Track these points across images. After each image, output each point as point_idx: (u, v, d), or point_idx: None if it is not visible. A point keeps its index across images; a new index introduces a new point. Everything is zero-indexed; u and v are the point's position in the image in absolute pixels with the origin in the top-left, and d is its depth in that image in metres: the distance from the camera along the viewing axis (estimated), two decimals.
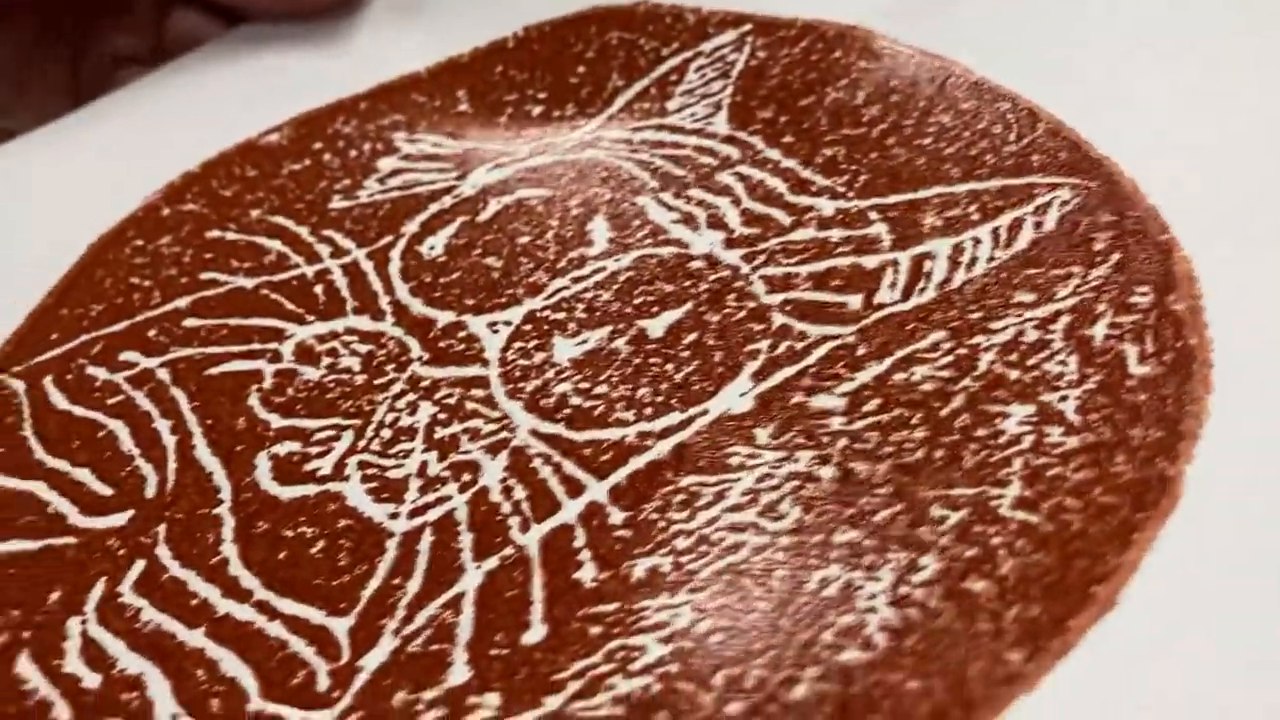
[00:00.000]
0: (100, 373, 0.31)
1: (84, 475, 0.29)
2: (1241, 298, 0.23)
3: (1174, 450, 0.22)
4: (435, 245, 0.33)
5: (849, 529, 0.22)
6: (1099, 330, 0.25)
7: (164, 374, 0.31)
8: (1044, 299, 0.26)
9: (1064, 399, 0.24)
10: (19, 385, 0.32)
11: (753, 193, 0.32)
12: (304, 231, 0.35)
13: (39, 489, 0.29)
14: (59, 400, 0.31)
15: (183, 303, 0.33)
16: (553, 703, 0.21)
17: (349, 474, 0.26)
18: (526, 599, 0.23)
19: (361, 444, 0.27)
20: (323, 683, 0.23)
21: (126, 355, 0.32)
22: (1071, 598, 0.20)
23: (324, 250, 0.34)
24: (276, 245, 0.34)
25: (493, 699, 0.22)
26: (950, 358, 0.25)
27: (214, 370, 0.31)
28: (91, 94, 0.42)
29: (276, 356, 0.31)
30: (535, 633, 0.23)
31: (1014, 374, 0.25)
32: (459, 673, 0.22)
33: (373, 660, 0.23)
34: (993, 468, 0.23)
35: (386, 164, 0.36)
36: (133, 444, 0.29)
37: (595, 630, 0.22)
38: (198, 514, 0.26)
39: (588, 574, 0.23)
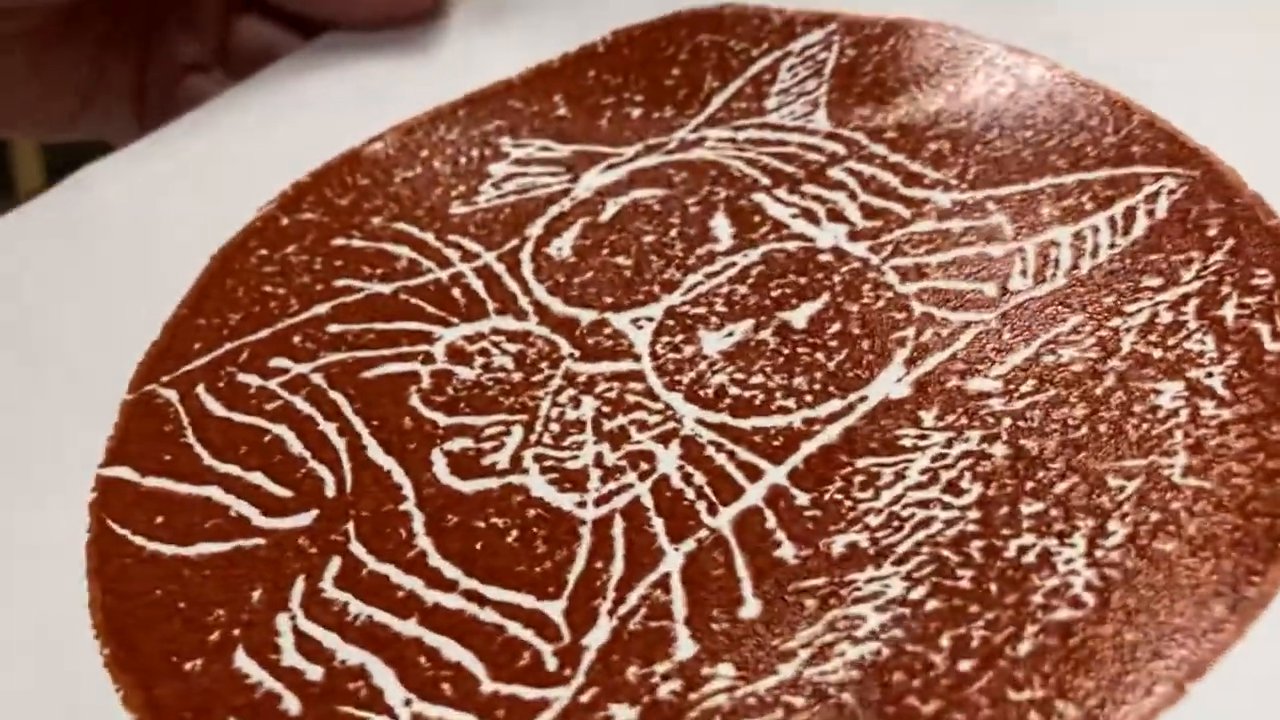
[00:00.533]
0: (253, 379, 0.32)
1: (258, 479, 0.29)
2: None
3: None
4: (563, 247, 0.34)
5: (1032, 500, 0.24)
6: (1229, 311, 0.27)
7: (318, 379, 0.32)
8: (1170, 282, 0.28)
9: (1210, 375, 0.26)
10: (172, 394, 0.32)
11: (866, 187, 0.34)
12: (429, 237, 0.36)
13: (214, 493, 0.29)
14: (216, 408, 0.32)
15: (323, 309, 0.34)
16: (787, 670, 0.22)
17: (527, 467, 0.27)
18: (734, 576, 0.24)
19: (533, 438, 0.28)
20: (551, 663, 0.24)
21: (276, 361, 0.33)
22: (1260, 551, 0.22)
23: (453, 255, 0.35)
24: (405, 251, 0.35)
25: (726, 669, 0.23)
26: (1093, 339, 0.27)
27: (369, 373, 0.32)
28: (157, 102, 0.42)
29: (429, 358, 0.32)
30: (751, 607, 0.24)
31: (1157, 353, 0.27)
32: (685, 647, 0.24)
33: (595, 639, 0.24)
34: (1157, 440, 0.25)
35: (498, 169, 0.37)
36: (301, 447, 0.30)
37: (810, 603, 0.24)
38: (383, 511, 0.27)
39: (788, 552, 0.25)
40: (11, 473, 0.28)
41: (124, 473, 0.30)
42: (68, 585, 0.28)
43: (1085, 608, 0.21)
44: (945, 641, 0.22)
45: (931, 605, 0.23)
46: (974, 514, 0.24)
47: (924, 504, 0.24)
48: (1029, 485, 0.24)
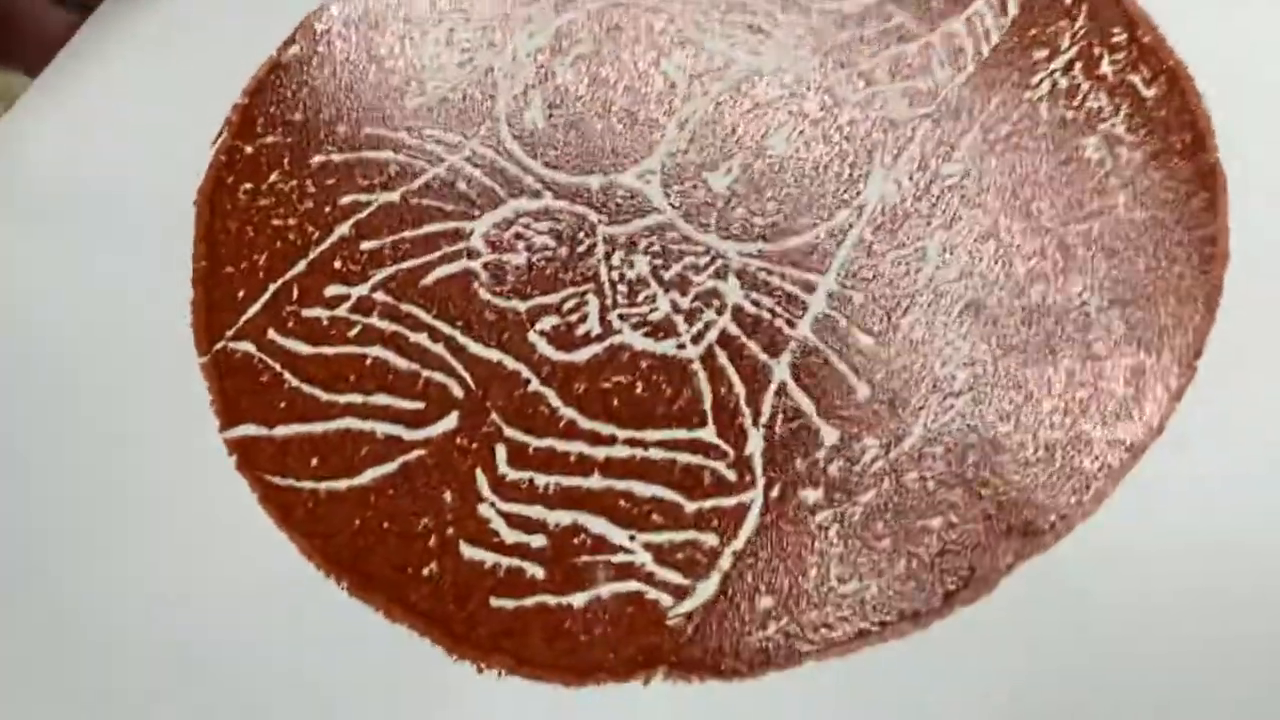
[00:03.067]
0: (319, 312, 0.32)
1: (385, 400, 0.30)
2: (1189, 21, 0.30)
3: (1204, 144, 0.31)
4: (535, 119, 0.35)
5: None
6: (1106, 68, 0.33)
7: (382, 296, 0.32)
8: (1054, 52, 0.34)
9: (1114, 126, 0.32)
10: (248, 346, 0.32)
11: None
12: (404, 136, 0.35)
13: (352, 423, 0.30)
14: (301, 348, 0.32)
15: (345, 230, 0.34)
16: (916, 429, 0.28)
17: (618, 328, 0.30)
18: (835, 370, 0.29)
19: (608, 302, 0.30)
20: (729, 475, 0.27)
21: (332, 290, 0.33)
22: (1202, 254, 0.29)
23: (438, 149, 0.35)
24: (389, 155, 0.35)
25: (870, 441, 0.28)
26: (1017, 113, 0.32)
27: (427, 280, 0.33)
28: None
29: (473, 253, 0.33)
30: (862, 391, 0.29)
31: (1070, 114, 0.33)
32: (829, 434, 0.28)
33: (755, 447, 0.28)
34: (1098, 185, 0.31)
35: (428, 53, 0.36)
36: (407, 362, 0.31)
37: (904, 375, 0.29)
38: (517, 395, 0.29)
39: (865, 341, 0.29)
40: (139, 466, 0.28)
41: (250, 430, 0.30)
42: (269, 543, 0.29)
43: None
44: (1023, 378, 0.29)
45: (998, 352, 0.29)
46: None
47: (965, 273, 0.29)
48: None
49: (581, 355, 0.29)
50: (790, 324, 0.29)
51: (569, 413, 0.29)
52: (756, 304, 0.29)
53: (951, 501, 0.26)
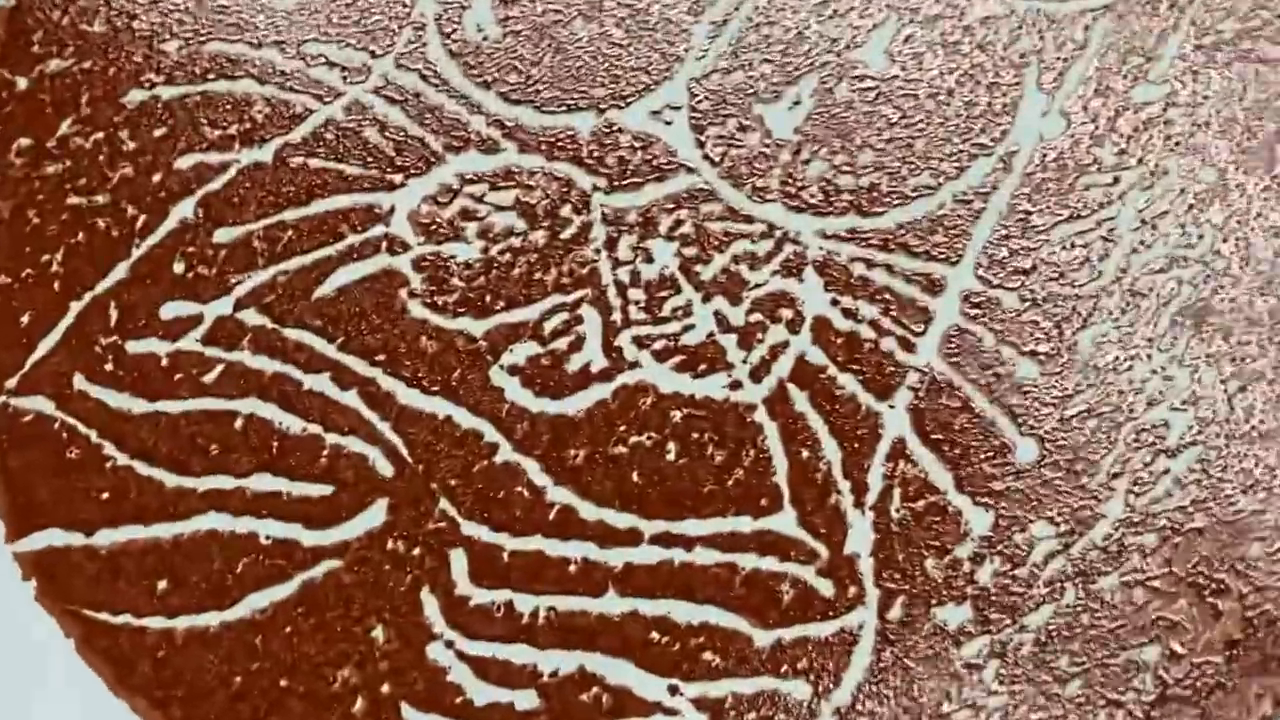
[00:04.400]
0: (155, 346, 0.32)
1: (271, 483, 0.30)
2: None
3: None
4: (483, 25, 0.33)
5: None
6: None
7: (254, 316, 0.32)
8: None
9: None
10: (44, 404, 0.31)
11: None
12: (275, 57, 0.34)
13: (220, 523, 0.30)
14: (129, 403, 0.31)
15: (187, 210, 0.33)
16: (1113, 507, 0.29)
17: (634, 359, 0.31)
18: (979, 417, 0.30)
19: (617, 317, 0.31)
20: (824, 587, 0.29)
21: (171, 310, 0.32)
22: None
23: (330, 77, 0.33)
24: (253, 88, 0.34)
25: (1042, 529, 0.29)
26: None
27: (325, 289, 0.32)
28: None
29: (395, 243, 0.32)
30: (1026, 449, 0.30)
31: None
32: (977, 518, 0.29)
33: (859, 543, 0.29)
34: None
35: None
36: (302, 422, 0.31)
37: (1090, 422, 0.30)
38: (477, 469, 0.30)
39: (1028, 369, 0.30)
40: None
41: (54, 538, 0.30)
42: (97, 714, 0.28)
43: None
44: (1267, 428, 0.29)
45: (1234, 384, 0.30)
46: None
47: (1164, 265, 0.30)
48: None
49: (577, 403, 0.30)
50: (907, 345, 0.30)
51: (562, 495, 0.29)
52: (851, 315, 0.30)
53: (1173, 620, 0.28)
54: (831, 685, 0.28)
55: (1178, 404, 0.29)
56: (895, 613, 0.28)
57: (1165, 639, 0.28)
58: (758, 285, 0.31)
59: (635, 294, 0.31)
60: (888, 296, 0.31)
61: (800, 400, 0.30)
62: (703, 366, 0.31)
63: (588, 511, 0.30)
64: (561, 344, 0.31)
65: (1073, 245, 0.31)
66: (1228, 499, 0.29)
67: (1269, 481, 0.29)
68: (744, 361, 0.30)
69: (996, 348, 0.30)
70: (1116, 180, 0.31)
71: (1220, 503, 0.29)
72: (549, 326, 0.31)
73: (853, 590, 0.29)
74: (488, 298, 0.31)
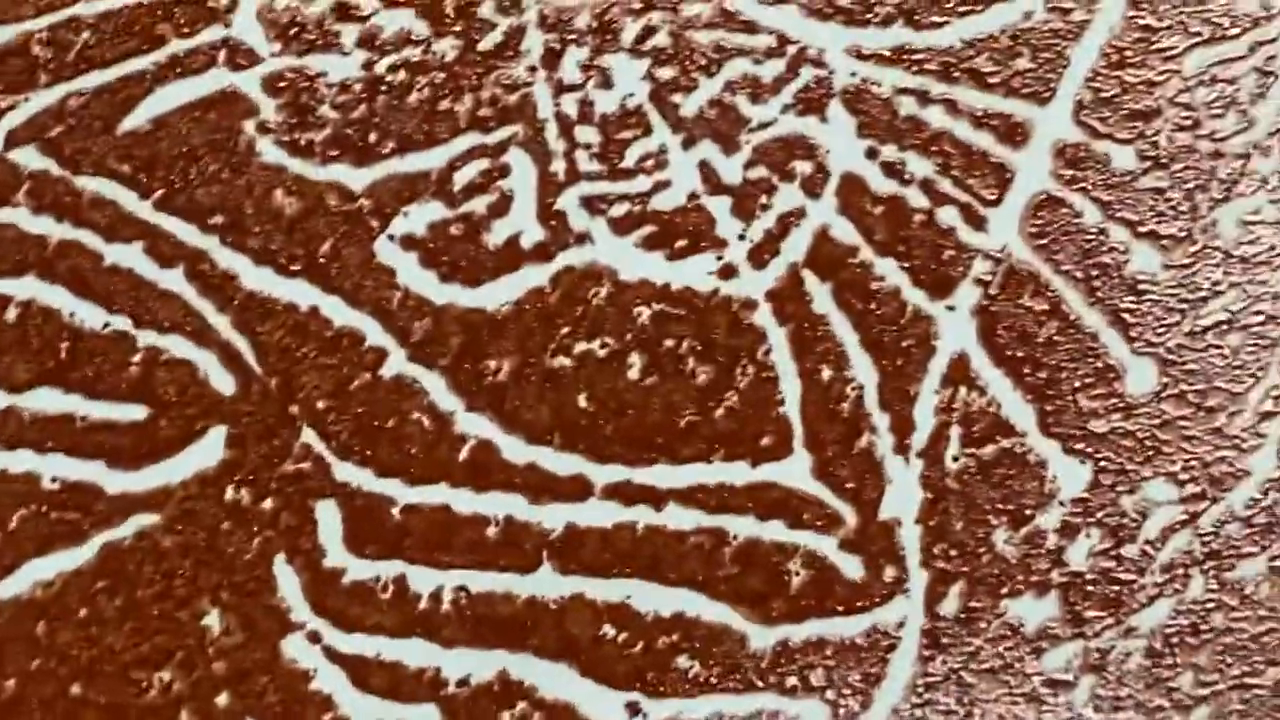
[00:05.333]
0: None
1: (60, 402, 0.29)
2: None
3: None
4: None
5: None
6: None
7: (33, 158, 0.30)
8: None
9: None
10: None
11: None
12: None
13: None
14: None
15: None
16: (1266, 460, 0.28)
17: (582, 229, 0.29)
18: (1074, 325, 0.28)
19: (559, 167, 0.29)
20: (850, 566, 0.28)
21: None
22: None
23: None
24: None
25: (1161, 488, 0.28)
26: None
27: (136, 119, 0.30)
28: None
29: (239, 53, 0.30)
30: (1141, 374, 0.28)
31: None
32: (1067, 468, 0.28)
33: (901, 502, 0.28)
34: None
35: None
36: (100, 312, 0.29)
37: (1232, 338, 0.28)
38: (354, 387, 0.29)
39: (1145, 260, 0.28)
40: None
41: None
42: None
43: None
44: None
45: None
46: None
47: None
48: None
49: (500, 294, 0.29)
50: (974, 220, 0.29)
51: (478, 426, 0.28)
52: (895, 173, 0.28)
53: None
54: (858, 708, 0.28)
55: None
56: (950, 605, 0.27)
57: None
58: (762, 126, 0.29)
59: (586, 134, 0.29)
60: (948, 147, 0.29)
61: (821, 296, 0.29)
62: (681, 243, 0.29)
63: (514, 450, 0.28)
64: (479, 206, 0.29)
65: (1214, 79, 0.29)
66: None
67: None
68: (741, 237, 0.29)
69: (1102, 226, 0.29)
70: None
71: None
72: (461, 180, 0.29)
73: (890, 572, 0.27)
74: (373, 137, 0.29)
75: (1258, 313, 0.29)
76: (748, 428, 0.28)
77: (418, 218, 0.29)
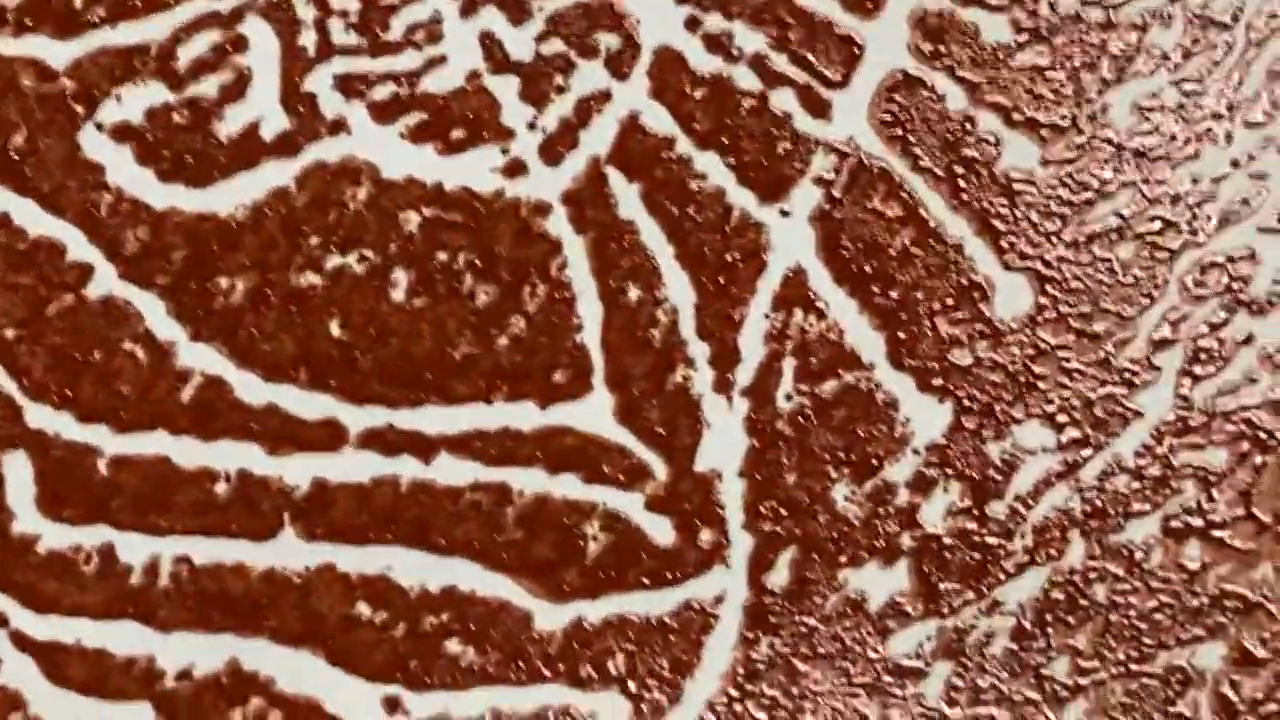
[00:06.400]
0: None
1: None
2: None
3: None
4: None
5: None
6: None
7: None
8: None
9: None
10: None
11: None
12: None
13: None
14: None
15: None
16: (1157, 404, 0.26)
17: (337, 115, 0.27)
18: (934, 233, 0.26)
19: (308, 39, 0.28)
20: (661, 533, 0.26)
21: None
22: None
23: None
24: None
25: (1040, 434, 0.26)
26: None
27: None
28: None
29: None
30: (1015, 297, 0.26)
31: None
32: (929, 418, 0.26)
33: (723, 455, 0.26)
34: None
35: None
36: None
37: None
38: (52, 313, 0.27)
39: (1020, 154, 0.26)
40: None
41: None
42: None
43: None
44: None
45: None
46: None
47: None
48: None
49: (235, 195, 0.27)
50: (816, 105, 0.27)
51: (205, 358, 0.27)
52: (720, 46, 0.27)
53: (1249, 601, 0.26)
54: (665, 702, 0.26)
55: (1271, 222, 0.27)
56: (779, 576, 0.26)
57: (1234, 631, 0.26)
58: None
59: None
60: (785, 16, 0.28)
61: (628, 198, 0.27)
62: (458, 134, 0.27)
63: (250, 389, 0.26)
64: (208, 88, 0.27)
65: None
66: None
67: None
68: (532, 127, 0.27)
69: (969, 113, 0.27)
70: None
71: None
72: (186, 55, 0.27)
73: (707, 536, 0.26)
74: (78, 1, 0.28)
75: (1154, 219, 0.27)
76: (537, 360, 0.27)
77: (133, 102, 0.28)
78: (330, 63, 0.27)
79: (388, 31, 0.28)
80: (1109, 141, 0.27)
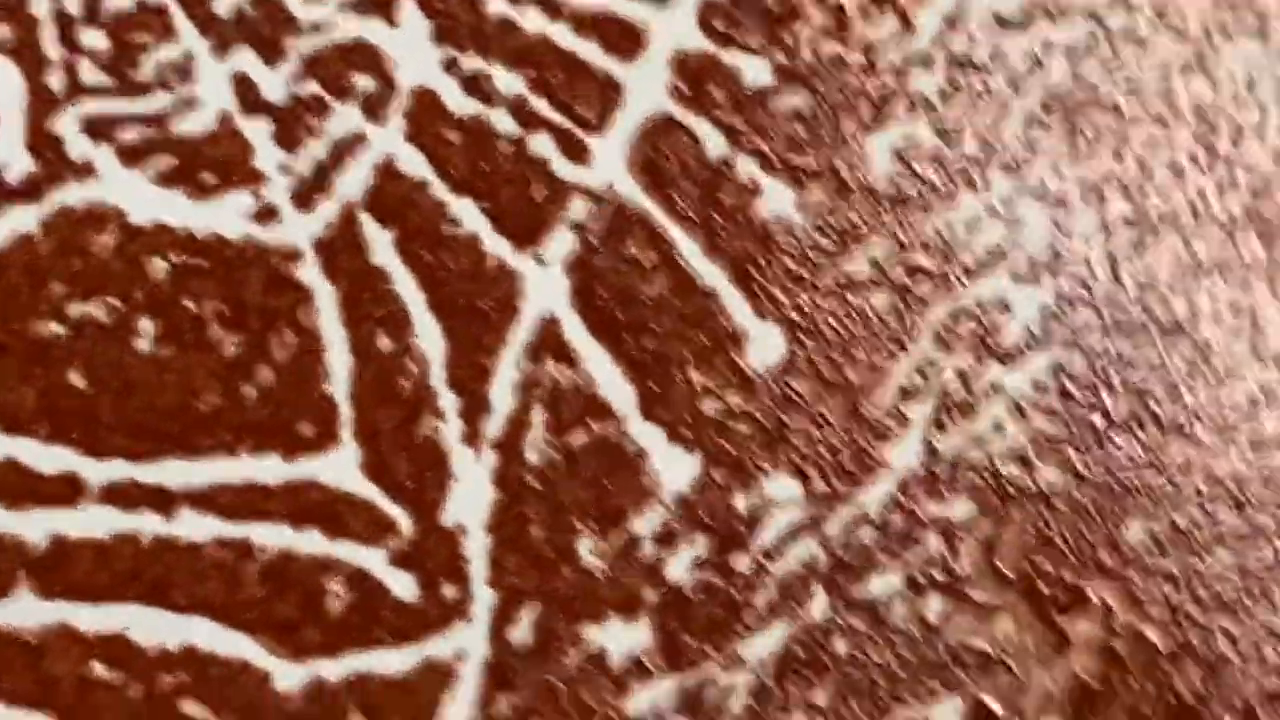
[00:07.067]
0: None
1: None
2: None
3: None
4: None
5: None
6: None
7: None
8: None
9: None
10: None
11: None
12: None
13: None
14: None
15: None
16: (903, 457, 0.26)
17: (84, 158, 0.27)
18: (689, 280, 0.26)
19: (57, 79, 0.27)
20: (405, 589, 0.26)
21: None
22: None
23: None
24: None
25: (787, 486, 0.26)
26: None
27: None
28: None
29: None
30: (768, 346, 0.26)
31: None
32: (679, 470, 0.26)
33: (468, 510, 0.26)
34: None
35: None
36: None
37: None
38: None
39: (778, 202, 0.26)
40: None
41: None
42: None
43: None
44: None
45: (1124, 239, 0.27)
46: None
47: (1019, 18, 0.28)
48: None
49: None
50: (574, 147, 0.27)
51: None
52: (477, 89, 0.27)
53: (987, 655, 0.27)
54: None
55: (1023, 271, 0.27)
56: (521, 632, 0.26)
57: (973, 687, 0.27)
58: (315, 29, 0.27)
59: (91, 37, 0.27)
60: (544, 57, 0.28)
61: (381, 245, 0.27)
62: (208, 178, 0.27)
63: None
64: None
65: None
66: (1096, 440, 0.27)
67: (1175, 413, 0.27)
68: (284, 170, 0.27)
69: (727, 157, 0.27)
70: None
71: (1084, 449, 0.27)
72: None
73: (450, 592, 0.26)
74: None
75: (910, 267, 0.27)
76: (283, 412, 0.27)
77: None
78: (78, 103, 0.27)
79: (138, 71, 0.27)
80: (866, 187, 0.26)
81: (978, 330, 0.26)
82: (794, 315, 0.27)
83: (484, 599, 0.26)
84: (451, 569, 0.26)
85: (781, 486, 0.26)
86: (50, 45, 0.27)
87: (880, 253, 0.26)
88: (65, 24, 0.27)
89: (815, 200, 0.26)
